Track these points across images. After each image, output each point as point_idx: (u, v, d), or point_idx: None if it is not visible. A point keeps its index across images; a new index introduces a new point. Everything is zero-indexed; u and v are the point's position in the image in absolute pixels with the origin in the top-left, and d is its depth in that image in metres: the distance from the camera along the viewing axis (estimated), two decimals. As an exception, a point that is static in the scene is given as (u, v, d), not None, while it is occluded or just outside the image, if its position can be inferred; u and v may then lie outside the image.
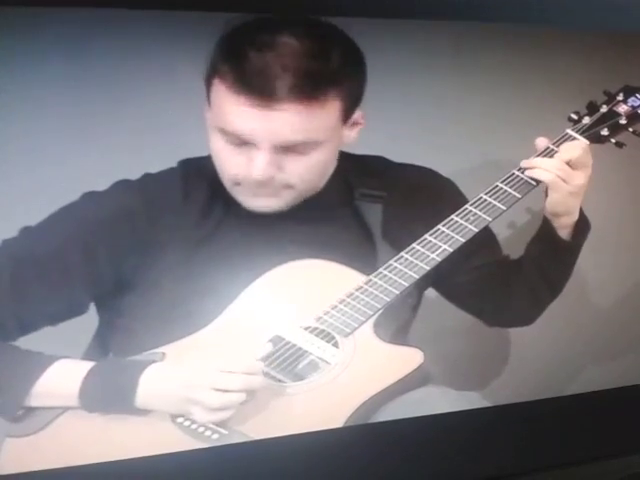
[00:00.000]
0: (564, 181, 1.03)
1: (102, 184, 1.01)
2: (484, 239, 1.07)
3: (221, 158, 0.99)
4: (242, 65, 0.93)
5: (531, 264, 1.10)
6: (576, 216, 1.07)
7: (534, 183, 1.05)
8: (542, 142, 1.07)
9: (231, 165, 0.98)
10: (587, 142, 1.07)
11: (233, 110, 0.94)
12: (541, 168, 1.04)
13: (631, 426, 1.13)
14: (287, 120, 0.94)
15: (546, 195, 1.06)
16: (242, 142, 0.96)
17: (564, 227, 1.07)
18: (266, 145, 0.95)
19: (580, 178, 1.04)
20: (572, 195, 1.04)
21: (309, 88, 0.94)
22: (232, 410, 0.92)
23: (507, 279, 1.11)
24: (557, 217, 1.06)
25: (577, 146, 1.06)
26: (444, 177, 1.11)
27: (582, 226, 1.08)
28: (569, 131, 1.09)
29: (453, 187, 1.10)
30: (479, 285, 1.11)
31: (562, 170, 1.03)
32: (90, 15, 0.96)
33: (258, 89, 0.93)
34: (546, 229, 1.08)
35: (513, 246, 1.12)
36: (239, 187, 1.00)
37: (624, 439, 1.12)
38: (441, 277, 1.07)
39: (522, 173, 1.06)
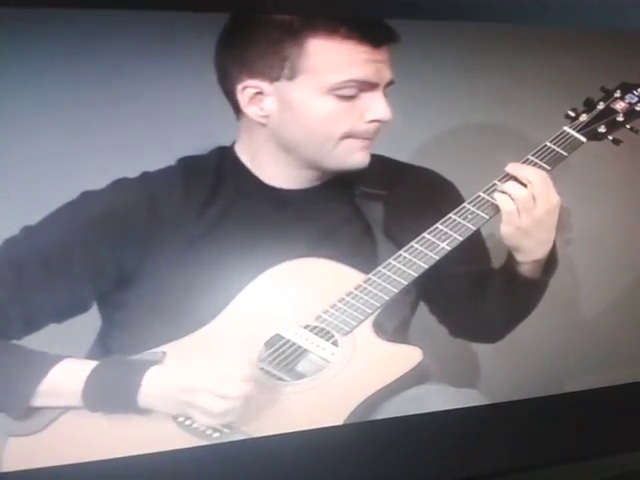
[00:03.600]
0: (518, 214, 1.01)
1: (101, 184, 1.01)
2: (470, 244, 1.05)
3: (331, 119, 1.00)
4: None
5: (493, 288, 1.09)
6: (535, 256, 1.04)
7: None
8: (511, 168, 1.04)
9: (343, 120, 1.00)
10: (549, 168, 1.05)
11: (354, 58, 0.98)
12: (508, 194, 1.01)
13: (628, 424, 1.14)
14: (388, 60, 1.01)
15: None
16: (358, 91, 0.99)
17: (523, 263, 1.05)
18: (382, 86, 1.01)
19: (525, 218, 1.01)
20: (521, 233, 1.02)
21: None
22: (234, 415, 0.93)
23: (474, 293, 1.10)
24: (513, 250, 1.04)
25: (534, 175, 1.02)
26: (445, 178, 1.11)
27: (547, 265, 1.06)
28: (566, 128, 1.09)
29: (453, 189, 1.10)
30: (451, 293, 1.10)
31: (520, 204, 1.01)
32: (90, 15, 0.96)
33: (373, 33, 0.98)
34: (508, 260, 1.06)
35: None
36: (347, 141, 1.01)
37: (622, 436, 1.13)
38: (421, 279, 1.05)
39: (506, 180, 1.05)
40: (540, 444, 1.09)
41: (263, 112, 1.01)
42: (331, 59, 0.99)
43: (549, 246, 1.04)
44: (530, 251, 1.04)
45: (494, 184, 1.04)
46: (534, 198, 1.01)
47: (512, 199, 1.01)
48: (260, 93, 1.00)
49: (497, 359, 1.20)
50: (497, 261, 1.10)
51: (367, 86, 1.00)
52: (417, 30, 1.01)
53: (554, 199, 1.02)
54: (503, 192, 1.02)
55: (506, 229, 1.02)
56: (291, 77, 0.99)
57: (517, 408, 1.09)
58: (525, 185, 1.02)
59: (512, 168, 1.04)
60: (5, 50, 0.96)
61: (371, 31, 0.99)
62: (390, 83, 1.02)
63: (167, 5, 0.95)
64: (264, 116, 1.01)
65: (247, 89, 1.00)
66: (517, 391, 1.12)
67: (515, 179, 1.03)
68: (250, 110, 1.01)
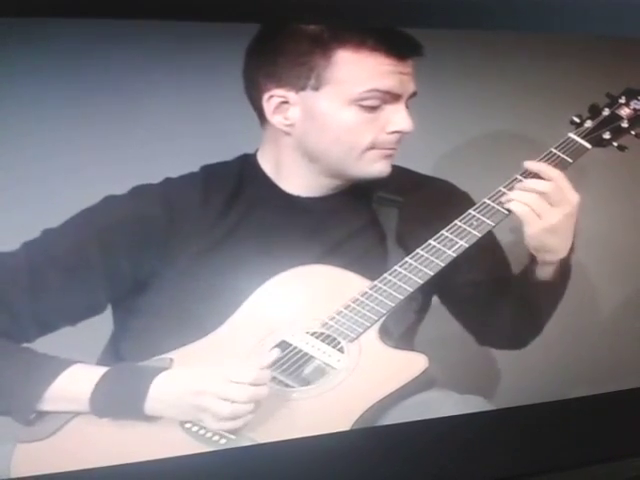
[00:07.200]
0: (538, 216, 1.01)
1: (119, 189, 1.02)
2: (489, 252, 1.07)
3: (354, 130, 1.01)
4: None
5: (517, 293, 1.09)
6: (560, 255, 1.04)
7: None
8: (530, 165, 1.04)
9: (367, 132, 1.02)
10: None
11: (379, 69, 1.00)
12: (516, 200, 1.02)
13: (633, 429, 1.14)
14: (412, 73, 1.02)
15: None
16: (381, 102, 1.01)
17: (546, 264, 1.05)
18: (405, 97, 1.02)
19: (554, 215, 1.01)
20: (547, 232, 1.02)
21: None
22: (244, 419, 0.93)
23: (498, 299, 1.10)
24: (535, 252, 1.04)
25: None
26: (460, 190, 1.11)
27: (563, 268, 1.06)
28: (571, 135, 1.09)
29: (468, 200, 1.10)
30: (473, 300, 1.11)
31: (537, 204, 1.01)
32: (104, 23, 0.97)
33: (399, 45, 1.00)
34: (529, 263, 1.06)
35: (515, 252, 1.13)
36: (371, 152, 1.03)
37: (627, 442, 1.13)
38: (443, 286, 1.07)
39: (525, 178, 1.06)
40: (546, 450, 1.09)
41: (288, 121, 1.02)
42: (356, 70, 0.99)
43: (570, 244, 1.04)
44: (556, 250, 1.04)
45: (499, 191, 1.05)
46: (554, 195, 1.01)
47: (526, 203, 1.02)
48: (286, 102, 1.01)
49: (502, 365, 1.20)
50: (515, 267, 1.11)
51: (390, 97, 1.01)
52: (427, 41, 1.02)
53: (574, 199, 1.02)
54: (521, 193, 1.03)
55: (529, 230, 1.02)
56: (317, 87, 1.00)
57: (523, 414, 1.10)
58: (545, 180, 1.02)
59: (533, 165, 1.04)
60: (21, 59, 0.97)
61: (398, 44, 1.00)
62: (413, 95, 1.03)
63: (198, 16, 0.96)
64: (289, 125, 1.02)
65: (273, 98, 1.01)
66: (522, 397, 1.12)
67: (536, 175, 1.03)
68: (275, 119, 1.02)
